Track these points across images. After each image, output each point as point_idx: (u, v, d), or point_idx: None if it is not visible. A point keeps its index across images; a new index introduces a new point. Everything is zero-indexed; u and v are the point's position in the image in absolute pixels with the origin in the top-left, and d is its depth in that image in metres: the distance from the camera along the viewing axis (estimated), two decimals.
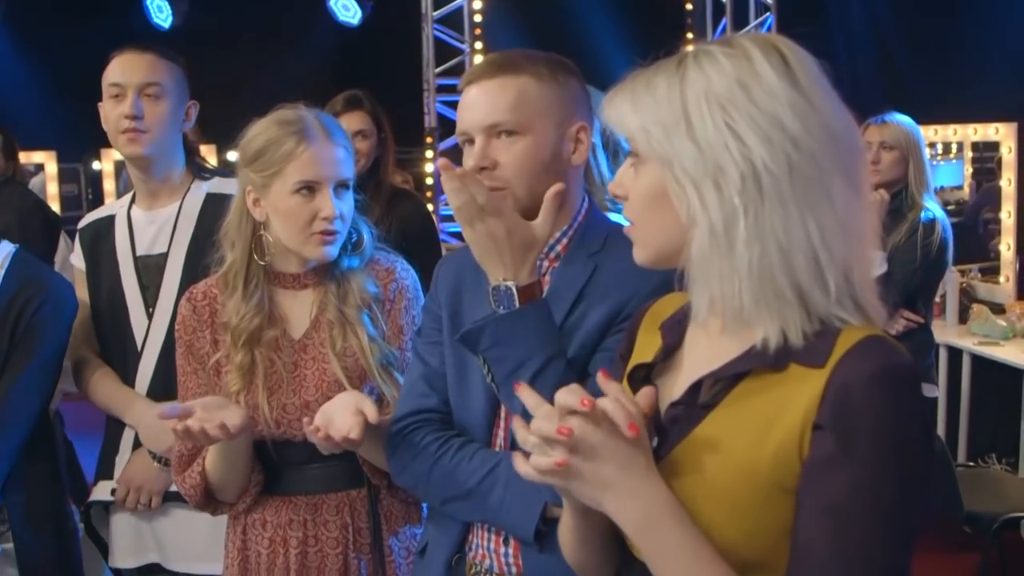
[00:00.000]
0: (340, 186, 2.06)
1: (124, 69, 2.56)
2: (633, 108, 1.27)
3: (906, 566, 1.18)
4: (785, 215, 1.20)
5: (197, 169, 2.69)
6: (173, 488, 2.49)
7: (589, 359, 1.71)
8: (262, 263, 2.10)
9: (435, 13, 8.64)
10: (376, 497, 2.11)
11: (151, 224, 2.62)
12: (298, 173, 2.02)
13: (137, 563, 2.64)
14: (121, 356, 2.64)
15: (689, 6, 8.67)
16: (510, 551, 1.79)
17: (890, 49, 8.06)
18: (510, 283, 1.63)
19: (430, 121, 8.69)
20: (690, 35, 8.65)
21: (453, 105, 8.81)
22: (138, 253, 2.62)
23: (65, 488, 2.60)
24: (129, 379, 2.61)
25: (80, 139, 8.95)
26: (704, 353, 1.30)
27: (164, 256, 2.59)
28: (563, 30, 8.79)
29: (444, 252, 4.15)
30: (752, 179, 1.20)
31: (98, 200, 9.44)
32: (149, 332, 2.58)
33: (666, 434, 1.28)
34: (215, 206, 2.53)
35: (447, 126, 8.76)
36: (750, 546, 1.20)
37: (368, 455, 2.02)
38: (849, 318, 1.23)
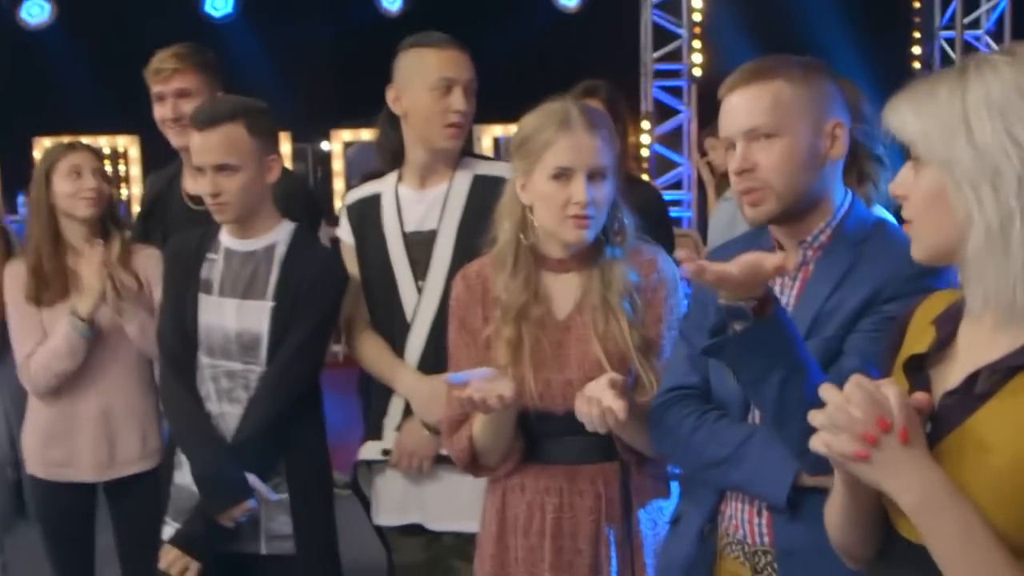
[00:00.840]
0: (596, 174, 2.16)
1: (455, 64, 2.69)
2: (915, 114, 1.34)
3: None
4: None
5: (464, 150, 2.82)
6: (441, 452, 2.65)
7: (844, 338, 1.79)
8: (527, 243, 2.24)
9: None
10: (628, 470, 2.22)
11: (420, 203, 2.76)
12: (554, 160, 2.15)
13: (401, 522, 2.80)
14: (390, 328, 2.75)
15: None
16: (763, 521, 1.88)
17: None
18: (742, 302, 1.69)
19: (646, 106, 8.76)
20: (917, 19, 8.42)
21: (670, 90, 8.88)
22: (407, 229, 2.76)
23: (326, 445, 2.83)
24: (399, 349, 2.72)
25: (311, 120, 9.43)
26: (978, 346, 1.36)
27: (434, 233, 2.73)
28: (784, 17, 8.70)
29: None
30: None
31: (327, 180, 9.92)
32: (420, 305, 2.71)
33: (941, 422, 1.34)
34: (483, 187, 2.68)
35: (663, 111, 8.82)
36: (1020, 534, 1.25)
37: (624, 434, 2.15)
38: None
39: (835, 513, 1.47)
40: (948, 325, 1.42)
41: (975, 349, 1.36)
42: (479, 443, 2.26)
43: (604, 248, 2.23)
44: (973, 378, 1.32)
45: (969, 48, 8.45)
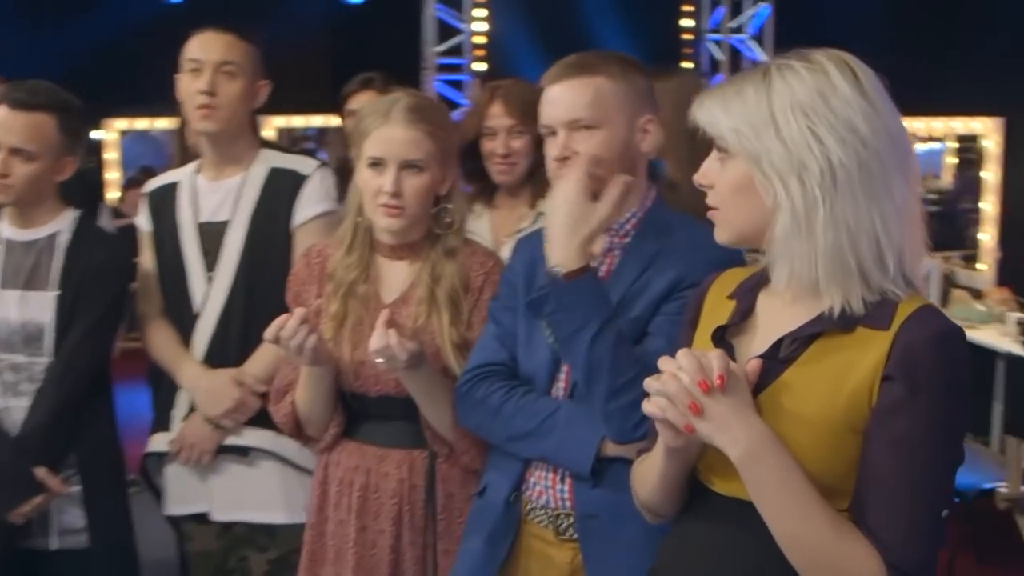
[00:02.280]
0: (409, 166, 2.21)
1: (203, 46, 2.68)
2: (724, 111, 1.49)
3: (951, 487, 1.45)
4: (855, 205, 1.43)
5: (262, 143, 2.83)
6: (227, 442, 2.70)
7: (651, 319, 1.95)
8: (364, 224, 2.29)
9: None
10: (435, 459, 2.28)
11: (215, 192, 2.76)
12: (369, 149, 2.22)
13: (187, 511, 2.80)
14: (180, 318, 2.75)
15: None
16: (566, 488, 2.00)
17: (881, 40, 8.27)
18: (558, 268, 1.86)
19: None
20: (686, 22, 8.87)
21: (453, 84, 8.92)
22: (200, 219, 2.75)
23: (118, 435, 2.79)
24: (187, 340, 2.73)
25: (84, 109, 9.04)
26: (778, 317, 1.53)
27: (226, 224, 2.72)
28: (562, 10, 8.97)
29: None
30: (829, 174, 1.42)
31: (99, 169, 9.51)
32: (208, 296, 2.71)
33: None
34: (279, 180, 2.71)
35: (447, 105, 8.93)
36: (825, 475, 1.42)
37: (431, 418, 2.22)
38: (901, 292, 1.46)
39: (650, 474, 1.60)
40: (747, 298, 1.59)
41: (775, 319, 1.53)
42: (300, 411, 2.32)
43: (438, 242, 2.30)
44: (777, 345, 1.49)
45: (735, 52, 8.96)
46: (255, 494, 2.70)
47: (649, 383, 1.42)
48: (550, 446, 1.98)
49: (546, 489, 2.04)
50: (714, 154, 1.55)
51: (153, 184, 2.89)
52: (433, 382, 2.19)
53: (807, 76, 1.46)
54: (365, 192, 2.24)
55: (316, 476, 2.39)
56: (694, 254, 1.92)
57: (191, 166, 2.83)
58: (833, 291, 1.45)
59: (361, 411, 2.32)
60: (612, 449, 1.91)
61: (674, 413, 1.40)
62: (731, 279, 1.67)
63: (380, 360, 2.08)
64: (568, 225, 1.88)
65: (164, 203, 2.80)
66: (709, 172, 1.55)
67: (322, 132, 9.04)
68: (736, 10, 8.94)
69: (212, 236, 2.73)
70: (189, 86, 2.68)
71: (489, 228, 2.95)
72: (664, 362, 1.43)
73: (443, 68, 8.91)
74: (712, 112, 1.51)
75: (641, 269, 1.98)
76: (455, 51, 8.89)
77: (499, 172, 2.89)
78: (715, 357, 1.41)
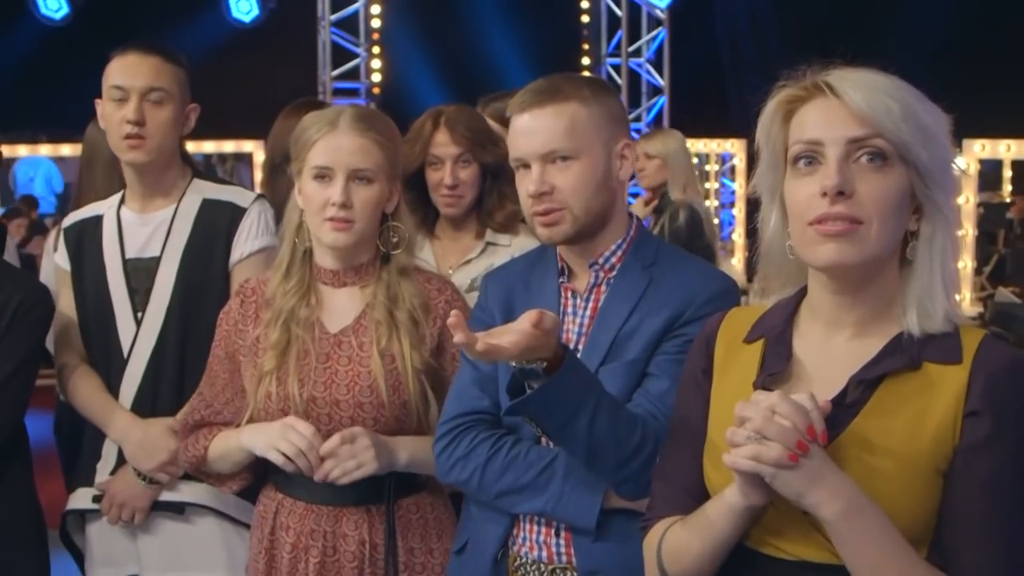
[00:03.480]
0: (358, 176, 2.06)
1: (128, 71, 2.46)
2: (902, 109, 1.34)
3: None
4: (947, 229, 1.36)
5: (193, 172, 2.63)
6: (161, 497, 2.47)
7: (649, 360, 1.80)
8: (303, 248, 2.12)
9: (332, 16, 8.63)
10: (394, 514, 2.11)
11: (144, 226, 2.53)
12: (315, 158, 2.05)
13: (116, 575, 2.55)
14: (106, 362, 2.53)
15: (585, 18, 8.88)
16: (562, 541, 1.85)
17: (774, 61, 8.42)
18: (535, 364, 1.66)
19: None
20: (586, 46, 8.88)
21: None
22: (128, 256, 2.53)
23: (36, 493, 2.56)
24: (114, 387, 2.50)
25: None
26: (828, 359, 1.41)
27: (156, 260, 2.51)
28: (460, 35, 8.90)
29: None
30: (949, 195, 1.36)
31: None
32: (137, 338, 2.49)
33: None
34: (212, 212, 2.50)
35: None
36: (908, 525, 1.31)
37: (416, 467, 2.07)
38: (955, 320, 1.37)
39: (696, 543, 1.44)
40: (780, 341, 1.45)
41: (824, 362, 1.41)
42: (211, 456, 2.17)
43: (389, 262, 2.13)
44: (843, 391, 1.37)
45: (632, 74, 9.01)
46: (193, 553, 2.48)
47: (734, 433, 1.29)
48: (549, 500, 1.82)
49: (538, 544, 1.88)
50: (842, 157, 1.35)
51: (72, 219, 2.65)
52: (416, 455, 2.06)
53: (895, 83, 1.36)
54: (309, 207, 2.07)
55: (258, 542, 2.18)
56: (688, 287, 1.80)
57: (115, 198, 2.60)
58: (914, 320, 1.36)
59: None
60: (618, 501, 1.77)
61: (773, 456, 1.26)
62: (740, 320, 1.54)
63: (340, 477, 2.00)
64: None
65: (85, 239, 2.57)
66: (850, 179, 1.34)
67: (208, 158, 8.76)
68: (634, 35, 9.00)
69: (141, 274, 2.51)
70: (113, 115, 2.46)
71: (432, 259, 2.79)
72: (743, 408, 1.30)
73: (339, 92, 8.77)
74: (884, 103, 1.34)
75: (631, 306, 1.84)
76: (352, 75, 8.76)
77: (446, 204, 2.73)
78: (807, 400, 1.29)
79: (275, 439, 2.01)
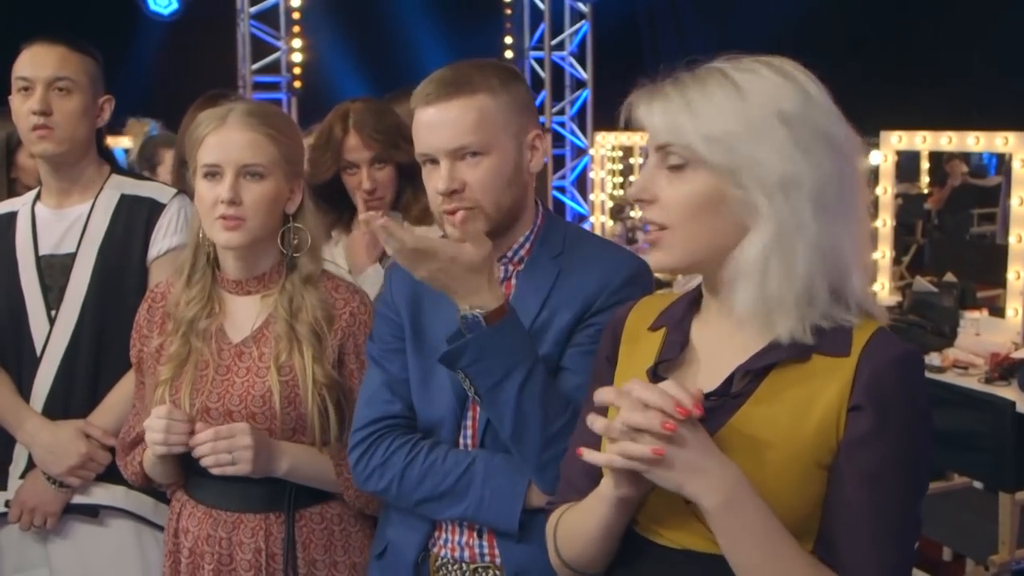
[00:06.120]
0: (249, 173, 1.99)
1: (33, 62, 2.40)
2: (692, 117, 1.32)
3: (920, 517, 1.35)
4: (831, 224, 1.31)
5: (111, 168, 2.56)
6: (73, 500, 2.42)
7: (562, 354, 1.77)
8: (204, 253, 2.06)
9: (251, 9, 8.50)
10: (294, 523, 2.05)
11: (59, 222, 2.47)
12: (203, 156, 1.99)
13: None
14: (17, 362, 2.47)
15: (508, 11, 8.86)
16: (484, 543, 1.82)
17: (693, 49, 8.49)
18: (477, 311, 1.66)
19: None
20: (508, 39, 8.86)
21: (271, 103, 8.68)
22: (41, 252, 2.46)
23: None
24: (25, 388, 2.45)
25: None
26: (719, 348, 1.39)
27: (72, 256, 2.45)
28: (381, 27, 8.83)
29: None
30: (816, 189, 1.29)
31: None
32: (50, 337, 2.42)
33: (704, 423, 1.33)
34: (130, 208, 2.45)
35: None
36: (791, 517, 1.29)
37: (307, 480, 2.03)
38: (855, 317, 1.35)
39: (584, 529, 1.43)
40: (678, 329, 1.44)
41: (717, 351, 1.40)
42: (148, 470, 2.10)
43: (292, 270, 2.07)
44: (729, 379, 1.35)
45: (556, 68, 9.02)
46: (106, 558, 2.42)
47: (599, 422, 1.26)
48: (470, 505, 1.78)
49: (460, 546, 1.85)
50: (653, 165, 1.37)
51: None
52: (300, 467, 2.01)
53: (780, 81, 1.33)
54: (200, 207, 2.00)
55: (165, 545, 2.14)
56: (598, 276, 1.76)
57: (30, 194, 2.53)
58: (792, 317, 1.32)
59: (206, 468, 2.02)
60: (539, 499, 1.74)
61: (640, 450, 1.24)
62: (648, 308, 1.53)
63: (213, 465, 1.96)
64: (474, 266, 1.66)
65: None
66: (650, 186, 1.37)
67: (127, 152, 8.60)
68: (557, 28, 8.99)
69: (55, 271, 2.45)
70: (21, 107, 2.40)
71: (342, 260, 2.74)
72: (604, 394, 1.27)
73: (259, 87, 8.65)
74: (673, 117, 1.33)
75: (542, 299, 1.80)
76: (272, 68, 8.65)
77: (369, 208, 2.67)
78: (671, 385, 1.26)
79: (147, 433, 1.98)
